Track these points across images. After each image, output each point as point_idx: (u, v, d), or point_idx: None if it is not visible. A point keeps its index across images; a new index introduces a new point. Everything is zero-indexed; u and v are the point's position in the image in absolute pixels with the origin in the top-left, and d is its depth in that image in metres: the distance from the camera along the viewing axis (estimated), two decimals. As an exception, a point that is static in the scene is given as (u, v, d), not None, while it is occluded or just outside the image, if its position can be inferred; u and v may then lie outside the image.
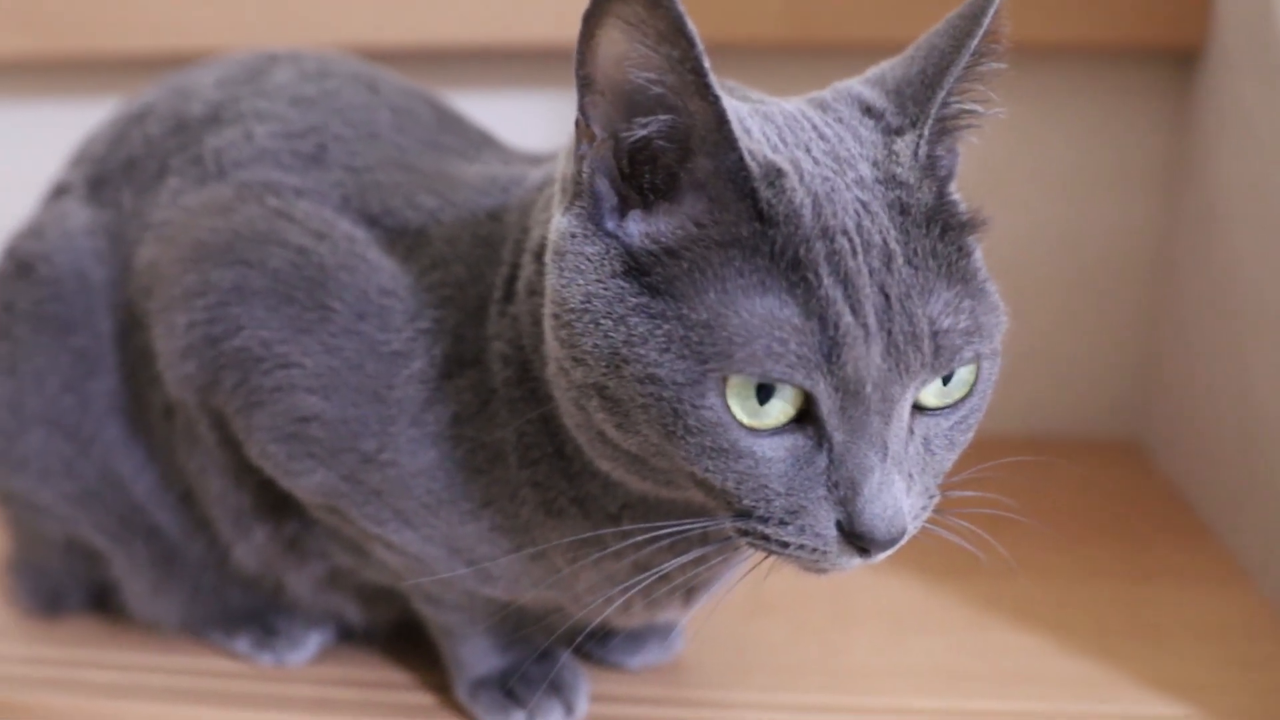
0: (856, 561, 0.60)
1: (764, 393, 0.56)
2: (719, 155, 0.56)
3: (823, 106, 0.62)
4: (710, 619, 0.84)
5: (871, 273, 0.56)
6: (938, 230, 0.58)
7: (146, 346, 0.79)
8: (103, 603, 0.93)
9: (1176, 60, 1.22)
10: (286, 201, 0.75)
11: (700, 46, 0.53)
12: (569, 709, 0.81)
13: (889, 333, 0.56)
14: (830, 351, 0.55)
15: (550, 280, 0.61)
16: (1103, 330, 1.31)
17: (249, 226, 0.74)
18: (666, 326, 0.57)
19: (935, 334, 0.57)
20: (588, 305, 0.59)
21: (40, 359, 0.82)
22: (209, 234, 0.74)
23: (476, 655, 0.82)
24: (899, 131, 0.60)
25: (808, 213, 0.56)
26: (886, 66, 0.64)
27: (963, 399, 0.61)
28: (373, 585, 0.84)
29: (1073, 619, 0.95)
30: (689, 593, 0.76)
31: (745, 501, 0.59)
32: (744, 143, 0.56)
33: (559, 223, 0.61)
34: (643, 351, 0.57)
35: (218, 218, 0.75)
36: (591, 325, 0.58)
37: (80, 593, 0.93)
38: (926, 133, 0.59)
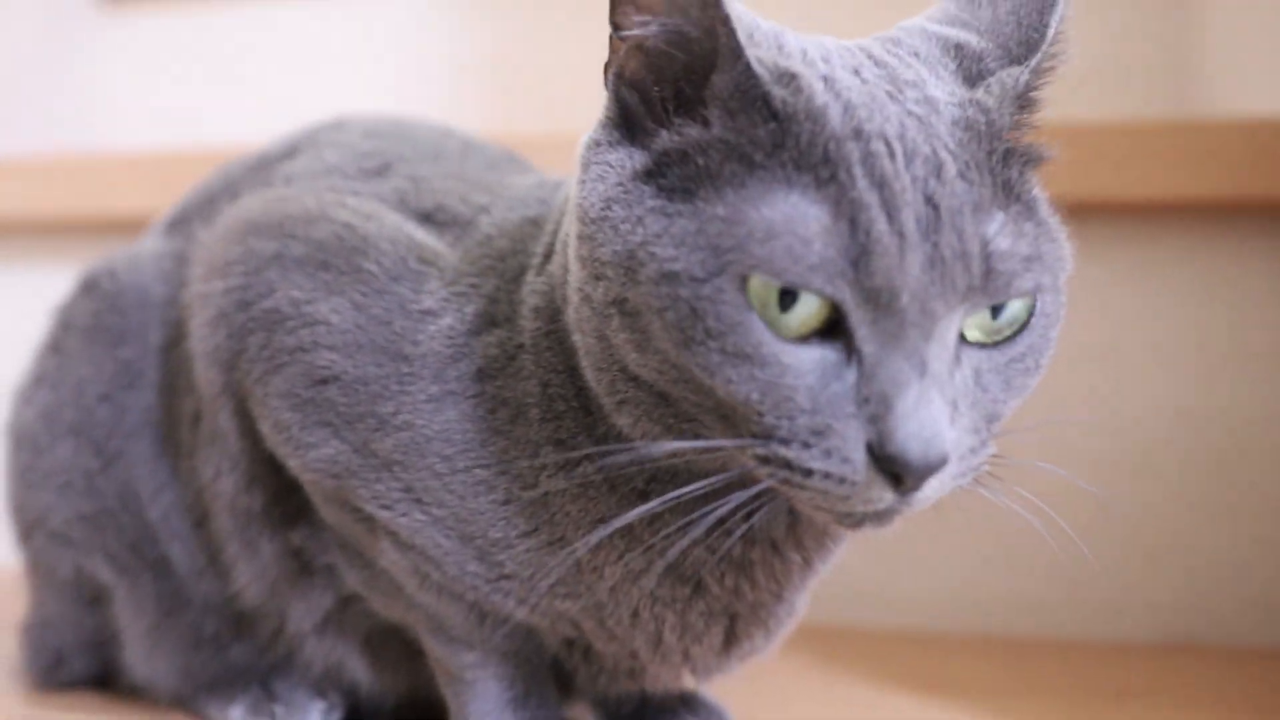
0: (889, 497, 0.53)
1: (787, 298, 0.52)
2: (728, 62, 0.55)
3: (892, 40, 0.61)
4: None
5: (915, 180, 0.52)
6: (1001, 154, 0.55)
7: (188, 354, 0.77)
8: (102, 674, 0.88)
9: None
10: (342, 194, 0.75)
11: None
12: None
13: (935, 245, 0.52)
14: (859, 258, 0.51)
15: (574, 195, 0.60)
16: (1239, 522, 1.17)
17: (300, 207, 0.74)
18: (682, 222, 0.54)
19: (989, 254, 0.53)
20: (606, 211, 0.57)
21: (85, 369, 0.82)
22: (260, 214, 0.74)
23: (487, 707, 0.71)
24: (996, 68, 0.59)
25: (835, 114, 0.54)
26: (952, 8, 0.63)
27: (1016, 334, 0.56)
28: (380, 630, 0.77)
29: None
30: (730, 622, 0.67)
31: (767, 419, 0.53)
32: (750, 50, 0.54)
33: (586, 136, 0.60)
34: (658, 249, 0.54)
35: (272, 203, 0.75)
36: (610, 230, 0.56)
37: (83, 657, 0.88)
38: (1035, 65, 0.58)
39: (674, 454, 0.58)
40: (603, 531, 0.62)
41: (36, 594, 0.89)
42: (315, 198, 0.74)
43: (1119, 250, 1.15)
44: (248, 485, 0.75)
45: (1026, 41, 0.60)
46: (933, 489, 0.53)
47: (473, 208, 0.73)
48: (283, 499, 0.74)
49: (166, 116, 1.66)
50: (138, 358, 0.82)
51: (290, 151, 0.84)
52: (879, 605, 1.17)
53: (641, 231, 0.55)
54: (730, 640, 0.68)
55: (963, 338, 0.55)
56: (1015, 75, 0.58)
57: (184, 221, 0.86)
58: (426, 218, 0.74)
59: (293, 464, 0.70)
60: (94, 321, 0.83)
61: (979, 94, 0.57)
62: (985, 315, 0.55)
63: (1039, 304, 0.56)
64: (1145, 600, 1.14)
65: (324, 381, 0.68)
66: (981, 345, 0.55)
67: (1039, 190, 0.59)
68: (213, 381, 0.74)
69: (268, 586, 0.77)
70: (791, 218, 0.52)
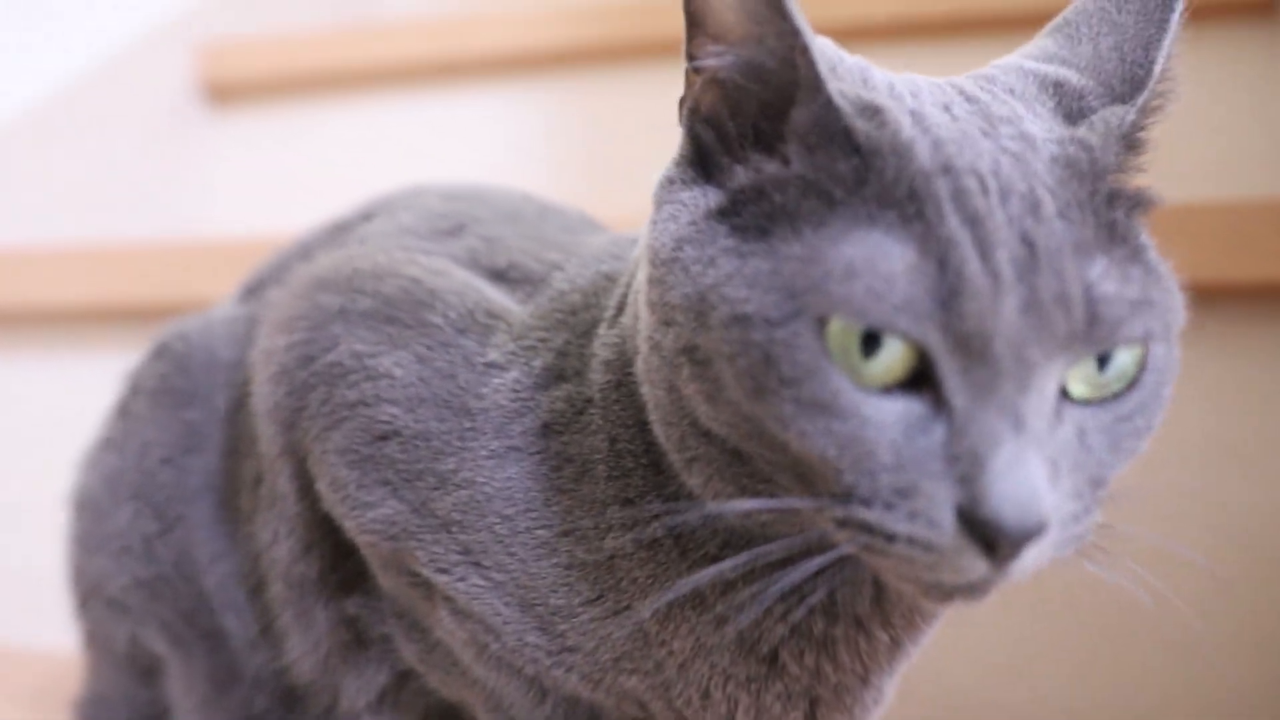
0: (981, 567, 0.48)
1: (870, 343, 0.48)
2: (808, 95, 0.52)
3: (986, 78, 0.58)
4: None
5: (1010, 219, 0.48)
6: (1105, 195, 0.52)
7: (252, 416, 0.75)
8: None
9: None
10: (413, 253, 0.73)
11: None
12: None
13: (1032, 287, 0.48)
14: (948, 298, 0.47)
15: (646, 236, 0.57)
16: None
17: (369, 263, 0.72)
18: (757, 262, 0.51)
19: (1091, 299, 0.49)
20: (678, 252, 0.54)
21: (150, 431, 0.81)
22: (328, 270, 0.73)
23: None
24: (1099, 106, 0.56)
25: (923, 149, 0.50)
26: (1050, 46, 0.60)
27: (1125, 390, 0.51)
28: (437, 712, 0.73)
29: None
30: (810, 707, 0.62)
31: (846, 478, 0.48)
32: (832, 83, 0.51)
33: (660, 174, 0.58)
34: (730, 290, 0.50)
35: (341, 260, 0.73)
36: (681, 272, 0.53)
37: None
38: (1142, 104, 0.56)
39: (747, 514, 0.54)
40: (669, 595, 0.57)
41: (91, 667, 0.87)
42: (385, 254, 0.73)
43: (1238, 333, 1.07)
44: (304, 550, 0.72)
45: (1131, 79, 0.57)
46: (1030, 559, 0.48)
47: (546, 265, 0.71)
48: (339, 565, 0.71)
49: (270, 205, 1.70)
50: (203, 421, 0.80)
51: (367, 215, 0.83)
52: (969, 705, 1.08)
53: (713, 273, 0.51)
54: (810, 727, 0.62)
55: (1065, 393, 0.50)
56: (1120, 114, 0.54)
57: (259, 287, 0.85)
58: (499, 275, 0.71)
59: (349, 525, 0.67)
60: (161, 384, 0.81)
61: (1081, 131, 0.53)
62: (1091, 367, 0.50)
63: (1150, 357, 0.52)
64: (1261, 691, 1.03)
65: (384, 437, 0.65)
66: (1086, 402, 0.50)
67: (1147, 237, 0.54)
68: (273, 440, 0.71)
69: (321, 659, 0.73)
70: (874, 256, 0.48)
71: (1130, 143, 0.55)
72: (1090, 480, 0.50)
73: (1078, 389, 0.50)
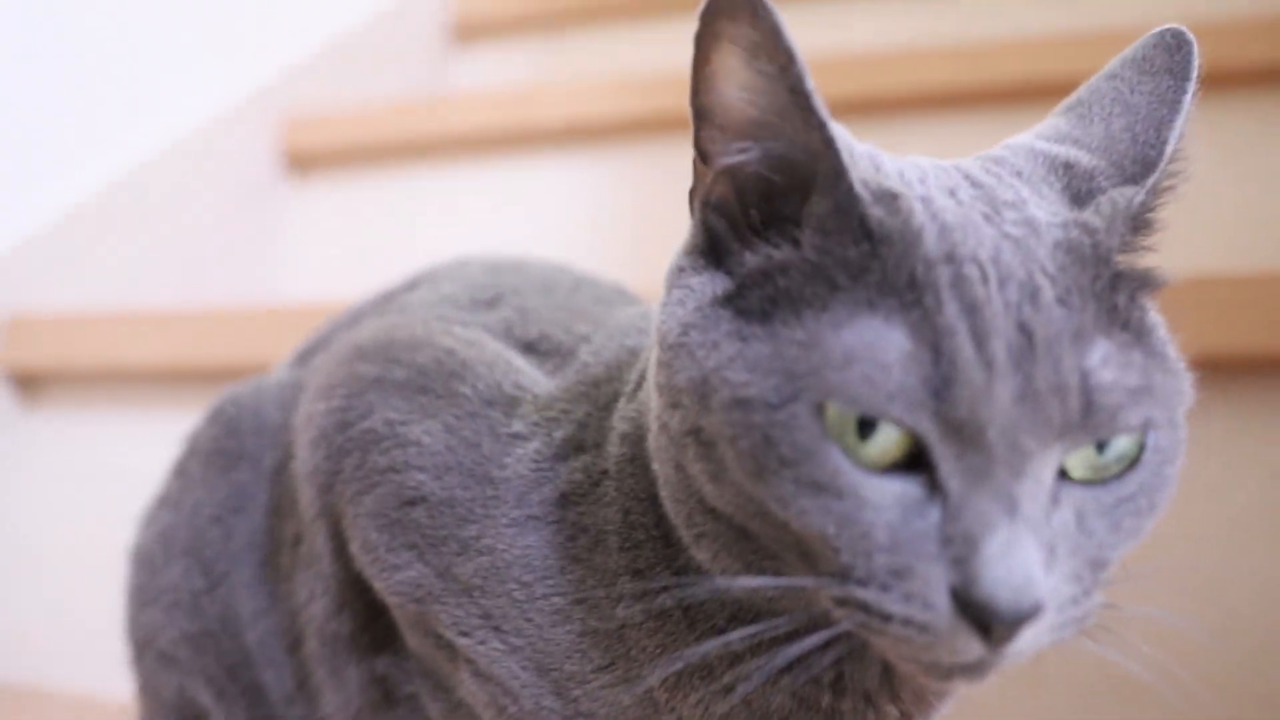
0: (977, 648, 0.48)
1: (865, 427, 0.49)
2: (829, 183, 0.53)
3: (994, 160, 0.59)
4: None
5: (1007, 306, 0.49)
6: (1109, 278, 0.52)
7: (293, 479, 0.78)
8: None
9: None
10: (450, 323, 0.76)
11: (802, 65, 0.52)
12: None
13: (1028, 376, 0.48)
14: (941, 387, 0.48)
15: (655, 321, 0.58)
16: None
17: (407, 333, 0.75)
18: (758, 345, 0.52)
19: (1088, 387, 0.49)
20: (684, 337, 0.55)
21: (201, 491, 0.84)
22: (368, 339, 0.76)
23: None
24: (1109, 186, 0.57)
25: (930, 236, 0.51)
26: (1062, 125, 0.61)
27: (1125, 471, 0.51)
28: None
29: None
30: None
31: (843, 557, 0.49)
32: (853, 171, 0.52)
33: (671, 261, 0.59)
34: (730, 374, 0.52)
35: (381, 330, 0.77)
36: (687, 356, 0.54)
37: None
38: (1152, 186, 0.56)
39: (753, 590, 0.55)
40: (677, 664, 0.59)
41: (144, 716, 0.90)
42: (424, 325, 0.75)
43: (1257, 405, 1.05)
44: (338, 609, 0.74)
45: (1143, 160, 0.57)
46: (1027, 642, 0.49)
47: (574, 337, 0.73)
48: (370, 625, 0.73)
49: (343, 272, 1.76)
50: (250, 481, 0.83)
51: (412, 285, 0.86)
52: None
53: (716, 356, 0.53)
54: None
55: (1064, 474, 0.50)
56: (1129, 195, 0.55)
57: (309, 353, 0.89)
58: (529, 347, 0.74)
59: (379, 585, 0.69)
60: (213, 446, 0.85)
61: (1086, 215, 0.54)
62: (1090, 451, 0.50)
63: (1151, 439, 0.52)
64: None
65: (412, 503, 0.67)
66: (1087, 483, 0.51)
67: (1154, 317, 0.54)
68: (312, 502, 0.74)
69: (353, 716, 0.75)
70: (871, 343, 0.49)
71: (1139, 224, 0.55)
72: (1090, 563, 0.51)
73: (1077, 470, 0.50)
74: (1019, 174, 0.57)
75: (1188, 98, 0.58)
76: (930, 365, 0.48)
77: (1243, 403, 1.02)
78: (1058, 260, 0.51)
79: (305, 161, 1.85)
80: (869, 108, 1.48)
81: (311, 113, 1.85)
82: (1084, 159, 0.58)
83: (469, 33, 2.16)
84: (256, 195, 1.82)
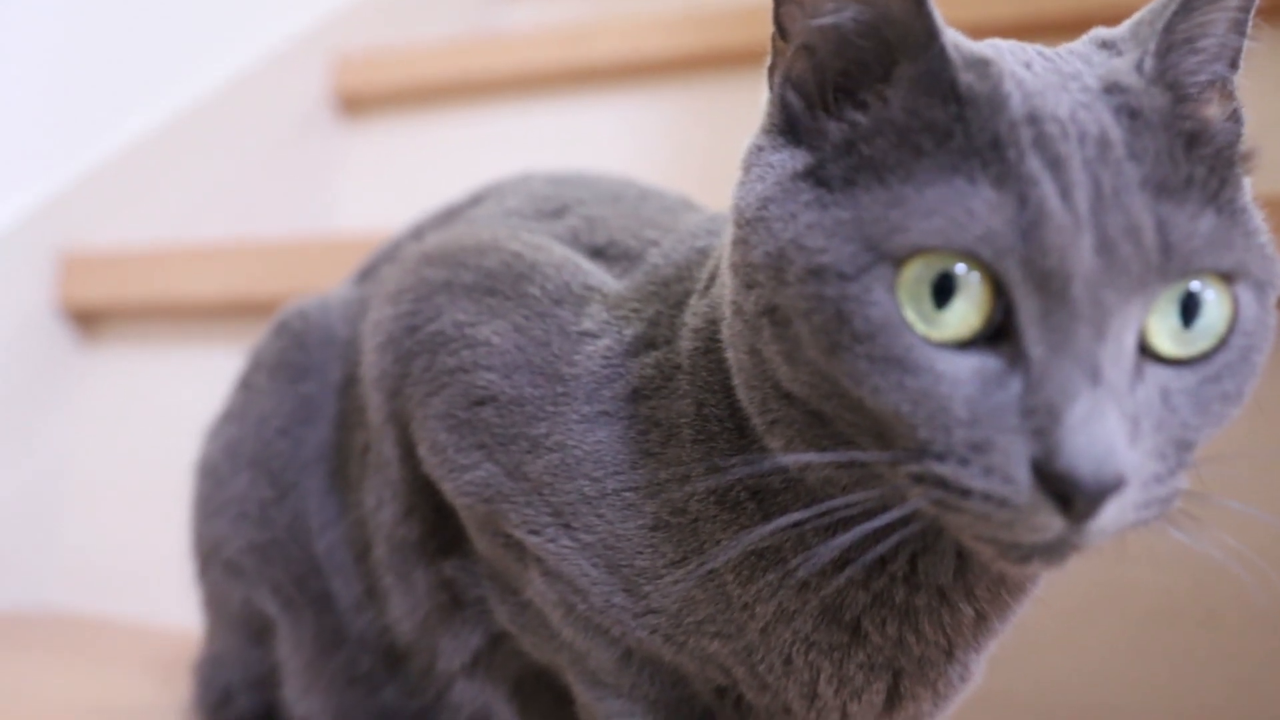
0: (1058, 524, 0.47)
1: (942, 294, 0.48)
2: (919, 47, 0.52)
3: (1051, 49, 0.58)
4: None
5: (1086, 162, 0.49)
6: (1180, 140, 0.51)
7: (363, 390, 0.78)
8: (266, 713, 0.88)
9: None
10: (517, 231, 0.76)
11: None
12: None
13: (1102, 226, 0.47)
14: (1029, 231, 0.47)
15: (733, 200, 0.57)
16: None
17: (473, 239, 0.74)
18: (837, 211, 0.51)
19: (1163, 228, 0.48)
20: (762, 211, 0.54)
21: (268, 403, 0.84)
22: (435, 247, 0.76)
23: None
24: (1129, 51, 0.55)
25: (1015, 99, 0.50)
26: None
27: (1212, 351, 0.50)
28: (530, 676, 0.75)
29: None
30: (894, 679, 0.61)
31: (921, 433, 0.49)
32: (946, 35, 0.52)
33: (749, 141, 0.59)
34: (808, 241, 0.51)
35: (448, 238, 0.76)
36: (764, 230, 0.54)
37: (249, 694, 0.89)
38: (1152, 47, 0.54)
39: (827, 478, 0.55)
40: (745, 541, 0.58)
41: (209, 629, 0.91)
42: (490, 232, 0.75)
43: None
44: (406, 514, 0.75)
45: (1150, 24, 0.56)
46: (1110, 518, 0.47)
47: (643, 242, 0.72)
48: (438, 529, 0.74)
49: (394, 210, 1.75)
50: (317, 394, 0.83)
51: (476, 200, 0.86)
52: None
53: (794, 226, 0.52)
54: (894, 700, 0.62)
55: (1150, 352, 0.49)
56: (1136, 59, 0.53)
57: (373, 269, 0.89)
58: (598, 253, 0.73)
59: (447, 487, 0.69)
60: (280, 359, 0.85)
61: (1124, 79, 0.52)
62: (1174, 318, 0.49)
63: (1239, 317, 0.51)
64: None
65: (481, 402, 0.67)
66: (1173, 362, 0.50)
67: (1247, 202, 0.53)
68: (379, 407, 0.74)
69: (420, 621, 0.76)
70: (958, 196, 0.48)
71: (1174, 88, 0.53)
72: (1175, 442, 0.50)
73: (1163, 344, 0.50)
74: (1074, 52, 0.56)
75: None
76: (1017, 212, 0.48)
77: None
78: (1123, 122, 0.50)
79: (358, 101, 1.84)
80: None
81: (365, 52, 1.84)
82: (1117, 33, 0.57)
83: (523, -30, 2.14)
84: (310, 134, 1.82)
